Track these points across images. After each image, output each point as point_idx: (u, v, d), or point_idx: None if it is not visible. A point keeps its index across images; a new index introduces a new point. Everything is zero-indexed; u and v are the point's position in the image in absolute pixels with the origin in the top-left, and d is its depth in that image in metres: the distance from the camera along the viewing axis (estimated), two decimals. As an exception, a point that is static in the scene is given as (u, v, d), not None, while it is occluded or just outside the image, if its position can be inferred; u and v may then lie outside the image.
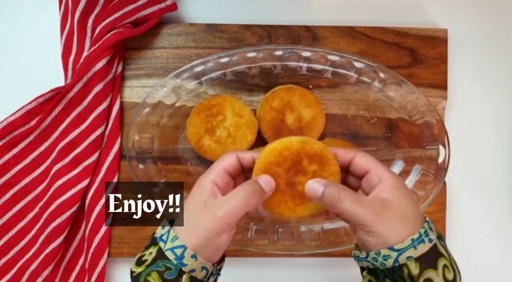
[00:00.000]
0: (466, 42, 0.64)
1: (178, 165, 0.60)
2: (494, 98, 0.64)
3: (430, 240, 0.38)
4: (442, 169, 0.57)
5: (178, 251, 0.38)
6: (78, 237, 0.60)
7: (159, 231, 0.41)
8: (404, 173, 0.60)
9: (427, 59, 0.61)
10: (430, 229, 0.39)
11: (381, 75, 0.57)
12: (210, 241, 0.39)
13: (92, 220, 0.58)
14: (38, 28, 0.63)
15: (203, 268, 0.39)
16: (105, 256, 0.59)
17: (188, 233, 0.39)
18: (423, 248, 0.37)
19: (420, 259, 0.37)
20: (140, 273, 0.39)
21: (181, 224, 0.40)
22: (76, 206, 0.58)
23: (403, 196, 0.39)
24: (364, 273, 0.43)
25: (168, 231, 0.40)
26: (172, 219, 0.42)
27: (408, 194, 0.40)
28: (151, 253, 0.40)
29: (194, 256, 0.38)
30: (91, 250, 0.58)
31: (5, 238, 0.59)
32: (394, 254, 0.37)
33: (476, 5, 0.64)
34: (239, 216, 0.39)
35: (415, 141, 0.60)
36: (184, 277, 0.38)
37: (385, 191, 0.39)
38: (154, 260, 0.39)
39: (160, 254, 0.39)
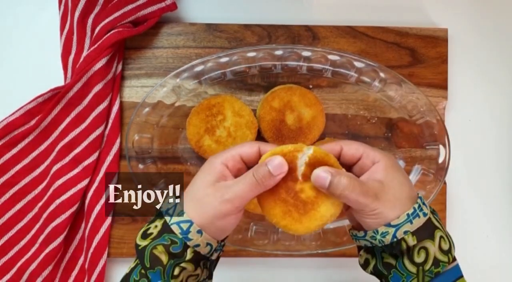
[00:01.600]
0: (466, 42, 0.64)
1: (178, 164, 0.60)
2: (494, 98, 0.64)
3: (425, 214, 0.39)
4: (442, 169, 0.57)
5: (184, 226, 0.39)
6: (78, 237, 0.60)
7: (165, 205, 0.41)
8: (404, 173, 0.60)
9: (428, 59, 0.61)
10: (424, 204, 0.40)
11: (381, 75, 0.57)
12: (215, 222, 0.39)
13: (91, 220, 0.58)
14: (38, 28, 0.62)
15: (207, 244, 0.40)
16: (105, 256, 0.58)
17: (195, 210, 0.39)
18: (418, 222, 0.39)
19: (416, 232, 0.38)
20: (145, 246, 0.39)
21: (186, 200, 0.40)
22: (76, 205, 0.58)
23: (397, 175, 0.40)
24: (361, 252, 0.43)
25: (175, 206, 0.40)
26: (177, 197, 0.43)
27: (401, 173, 0.41)
28: (156, 226, 0.40)
29: (199, 232, 0.39)
30: (91, 250, 0.58)
31: (5, 238, 0.58)
32: (391, 230, 0.38)
33: (476, 5, 0.64)
34: (247, 200, 0.39)
35: (415, 141, 0.60)
36: (189, 251, 0.39)
37: (379, 172, 0.40)
38: (160, 234, 0.39)
39: (166, 228, 0.39)
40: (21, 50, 0.62)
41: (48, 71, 0.61)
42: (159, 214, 0.41)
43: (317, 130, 0.58)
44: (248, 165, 0.42)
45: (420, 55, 0.61)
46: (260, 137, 0.59)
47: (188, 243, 0.39)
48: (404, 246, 0.38)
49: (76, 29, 0.60)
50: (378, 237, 0.39)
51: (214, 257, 0.42)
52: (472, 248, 0.63)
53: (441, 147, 0.57)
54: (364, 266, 0.43)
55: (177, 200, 0.41)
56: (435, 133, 0.58)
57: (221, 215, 0.39)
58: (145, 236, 0.40)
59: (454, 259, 0.40)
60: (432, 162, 0.58)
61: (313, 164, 0.39)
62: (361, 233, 0.41)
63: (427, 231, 0.39)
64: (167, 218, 0.40)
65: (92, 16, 0.60)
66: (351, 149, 0.41)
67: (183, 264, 0.39)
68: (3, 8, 0.63)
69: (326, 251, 0.58)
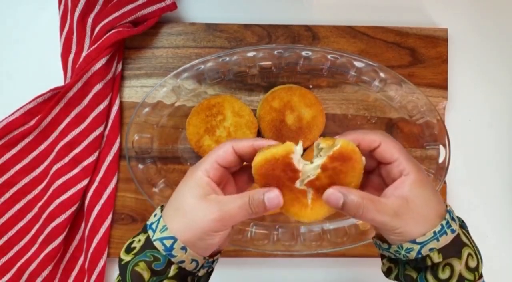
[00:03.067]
0: (466, 42, 0.64)
1: (178, 165, 0.60)
2: (494, 98, 0.64)
3: (453, 231, 0.38)
4: (442, 169, 0.57)
5: (168, 242, 0.37)
6: (78, 237, 0.60)
7: (151, 218, 0.40)
8: (404, 173, 0.60)
9: (428, 59, 0.61)
10: (452, 219, 0.39)
11: (382, 75, 0.57)
12: (203, 238, 0.38)
13: (91, 220, 0.58)
14: (38, 28, 0.62)
15: (193, 260, 0.38)
16: (105, 256, 0.58)
17: (181, 225, 0.38)
18: (445, 239, 0.37)
19: (443, 250, 0.37)
20: (128, 262, 0.38)
21: (170, 213, 0.39)
22: (76, 205, 0.58)
23: (424, 192, 0.38)
24: (384, 260, 0.42)
25: (158, 220, 0.39)
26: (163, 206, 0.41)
27: (429, 188, 0.39)
28: (139, 240, 0.39)
29: (184, 248, 0.37)
30: (91, 250, 0.58)
31: (4, 238, 0.58)
32: (416, 247, 0.37)
33: (476, 5, 0.64)
34: (238, 221, 0.38)
35: (416, 141, 0.60)
36: (172, 267, 0.38)
37: (406, 187, 0.38)
38: (142, 249, 0.38)
39: (148, 243, 0.38)
40: (21, 50, 0.62)
41: (48, 71, 0.61)
42: (144, 227, 0.40)
43: (317, 130, 0.58)
44: (229, 168, 0.40)
45: (420, 55, 0.61)
46: (260, 137, 0.59)
47: (172, 259, 0.37)
48: (429, 262, 0.37)
49: (76, 29, 0.60)
50: (403, 252, 0.38)
51: (201, 273, 0.40)
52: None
53: (441, 147, 0.57)
54: (387, 274, 0.42)
55: (160, 213, 0.39)
56: (435, 133, 0.57)
57: (210, 232, 0.37)
58: (128, 250, 0.39)
59: (481, 276, 0.38)
60: (432, 162, 0.58)
61: (336, 158, 0.37)
62: (385, 245, 0.40)
63: (454, 248, 0.37)
64: (150, 233, 0.38)
65: (92, 16, 0.60)
66: (387, 151, 0.39)
67: (166, 281, 0.37)
68: (3, 8, 0.63)
69: (326, 251, 0.58)
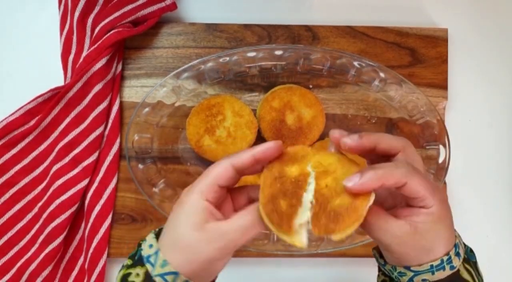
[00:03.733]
0: (466, 42, 0.64)
1: (178, 165, 0.60)
2: (494, 98, 0.64)
3: (452, 267, 0.36)
4: (442, 169, 0.57)
5: (170, 278, 0.35)
6: (78, 237, 0.60)
7: (146, 249, 0.37)
8: (404, 173, 0.60)
9: (428, 59, 0.61)
10: (457, 254, 0.36)
11: (382, 75, 0.57)
12: (208, 268, 0.36)
13: (91, 220, 0.58)
14: (38, 28, 0.62)
15: None
16: (105, 256, 0.58)
17: (183, 260, 0.35)
18: (440, 274, 0.35)
19: None
20: None
21: (169, 246, 0.36)
22: (76, 206, 0.58)
23: (438, 227, 0.35)
24: (380, 273, 0.42)
25: (156, 253, 0.36)
26: (158, 233, 0.38)
27: (445, 224, 0.36)
28: (138, 274, 0.36)
29: None
30: (91, 250, 0.58)
31: (4, 238, 0.58)
32: (409, 274, 0.36)
33: (476, 5, 0.64)
34: (242, 244, 0.36)
35: (416, 141, 0.60)
36: None
37: (420, 218, 0.35)
38: None
39: (148, 279, 0.35)
40: (21, 50, 0.62)
41: (48, 71, 0.61)
42: (139, 259, 0.36)
43: (317, 130, 0.58)
44: (229, 186, 0.37)
45: (420, 55, 0.61)
46: (260, 137, 0.59)
47: None
48: None
49: (76, 29, 0.60)
50: (395, 273, 0.37)
51: None
52: (472, 248, 0.63)
53: (441, 147, 0.57)
54: None
55: (157, 245, 0.36)
56: (435, 133, 0.57)
57: (214, 261, 0.36)
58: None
59: None
60: (432, 162, 0.58)
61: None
62: (381, 261, 0.39)
63: None
64: (149, 268, 0.35)
65: (92, 16, 0.60)
66: (413, 190, 0.34)
67: None
68: (3, 8, 0.63)
69: (326, 251, 0.58)
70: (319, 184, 0.35)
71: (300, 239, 0.34)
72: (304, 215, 0.34)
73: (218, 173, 0.36)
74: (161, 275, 0.35)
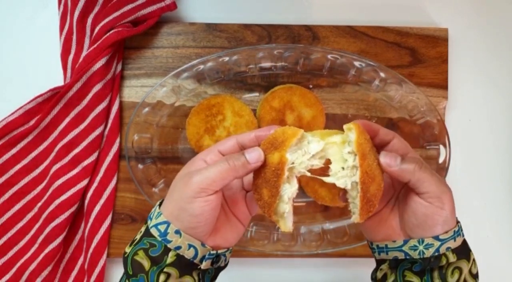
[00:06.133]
0: (467, 42, 0.63)
1: (178, 164, 0.60)
2: (494, 98, 0.64)
3: (463, 234, 0.40)
4: (442, 169, 0.57)
5: (162, 227, 0.37)
6: (78, 237, 0.60)
7: (151, 211, 0.41)
8: (405, 173, 0.60)
9: (428, 59, 0.61)
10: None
11: (382, 74, 0.57)
12: (183, 206, 0.37)
13: (91, 220, 0.58)
14: (37, 28, 0.62)
15: (190, 246, 0.37)
16: (105, 256, 0.58)
17: (167, 203, 0.38)
18: (459, 241, 0.39)
19: (456, 250, 0.39)
20: (129, 253, 0.38)
21: (166, 199, 0.39)
22: (76, 206, 0.58)
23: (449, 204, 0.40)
24: (383, 266, 0.42)
25: (155, 208, 0.40)
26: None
27: (450, 201, 0.40)
28: (140, 231, 0.39)
29: (178, 232, 0.37)
30: (91, 250, 0.58)
31: (4, 238, 0.58)
32: (437, 244, 0.38)
33: (476, 5, 0.64)
34: (216, 184, 0.37)
35: (416, 141, 0.60)
36: (170, 254, 0.37)
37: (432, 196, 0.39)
38: (141, 238, 0.38)
39: (146, 232, 0.38)
40: (21, 50, 0.62)
41: (47, 71, 0.61)
42: (145, 221, 0.41)
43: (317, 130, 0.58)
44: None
45: (420, 55, 0.61)
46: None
47: (168, 245, 0.37)
48: (443, 261, 0.38)
49: (76, 29, 0.60)
50: (421, 247, 0.38)
51: (204, 266, 0.38)
52: (472, 248, 0.63)
53: (441, 147, 0.57)
54: (381, 281, 0.42)
55: (158, 203, 0.40)
56: (436, 133, 0.57)
57: (187, 198, 0.36)
58: (131, 243, 0.39)
59: None
60: (433, 162, 0.58)
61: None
62: (399, 242, 0.40)
63: (465, 251, 0.40)
64: (149, 222, 0.39)
65: (91, 16, 0.60)
66: (399, 144, 0.41)
67: (166, 269, 0.37)
68: (3, 8, 0.63)
69: (326, 251, 0.58)
70: (362, 168, 0.37)
71: (285, 224, 0.38)
72: (284, 205, 0.38)
73: (222, 141, 0.41)
74: (155, 226, 0.38)
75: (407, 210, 0.40)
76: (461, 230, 0.40)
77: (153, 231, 0.38)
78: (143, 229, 0.39)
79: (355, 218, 0.38)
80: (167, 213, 0.38)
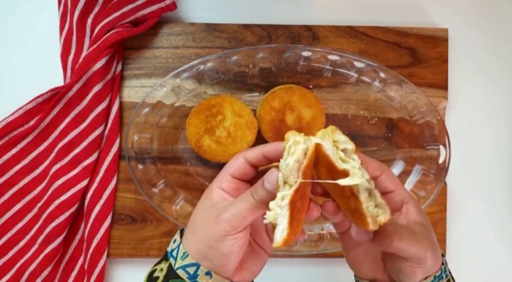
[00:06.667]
0: (467, 42, 0.63)
1: (178, 165, 0.60)
2: (494, 98, 0.64)
3: (447, 275, 0.39)
4: (442, 169, 0.57)
5: (191, 270, 0.35)
6: (78, 237, 0.60)
7: (171, 244, 0.39)
8: (405, 173, 0.60)
9: (428, 59, 0.61)
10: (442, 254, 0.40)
11: (382, 75, 0.57)
12: (212, 245, 0.35)
13: (91, 220, 0.58)
14: (37, 28, 0.62)
15: None
16: (105, 256, 0.58)
17: (192, 240, 0.36)
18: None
19: None
20: None
21: (187, 234, 0.37)
22: (75, 206, 0.58)
23: (426, 217, 0.39)
24: None
25: (178, 246, 0.37)
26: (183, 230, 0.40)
27: (431, 233, 0.39)
28: (162, 269, 0.37)
29: (208, 273, 0.35)
30: (91, 251, 0.58)
31: (4, 238, 0.58)
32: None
33: (476, 5, 0.64)
34: (246, 220, 0.36)
35: (416, 141, 0.60)
36: None
37: (414, 213, 0.38)
38: (166, 279, 0.36)
39: (171, 273, 0.36)
40: (20, 50, 0.62)
41: (47, 71, 0.61)
42: (165, 255, 0.38)
43: (317, 130, 0.57)
44: (244, 179, 0.40)
45: (420, 55, 0.61)
46: (260, 137, 0.59)
47: None
48: None
49: (76, 29, 0.60)
50: None
51: None
52: (472, 249, 0.63)
53: (441, 147, 0.57)
54: None
55: (180, 239, 0.38)
56: (436, 133, 0.57)
57: (218, 237, 0.35)
58: (151, 280, 0.37)
59: None
60: (433, 162, 0.58)
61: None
62: None
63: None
64: (172, 261, 0.37)
65: (91, 16, 0.60)
66: (387, 180, 0.39)
67: None
68: (3, 8, 0.62)
69: (326, 251, 0.58)
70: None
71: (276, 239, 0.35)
72: (281, 223, 0.34)
73: (230, 163, 0.39)
74: (183, 267, 0.36)
75: (388, 256, 0.39)
76: (444, 272, 0.38)
77: (181, 273, 0.36)
78: (164, 267, 0.37)
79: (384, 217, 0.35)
80: (192, 251, 0.36)
